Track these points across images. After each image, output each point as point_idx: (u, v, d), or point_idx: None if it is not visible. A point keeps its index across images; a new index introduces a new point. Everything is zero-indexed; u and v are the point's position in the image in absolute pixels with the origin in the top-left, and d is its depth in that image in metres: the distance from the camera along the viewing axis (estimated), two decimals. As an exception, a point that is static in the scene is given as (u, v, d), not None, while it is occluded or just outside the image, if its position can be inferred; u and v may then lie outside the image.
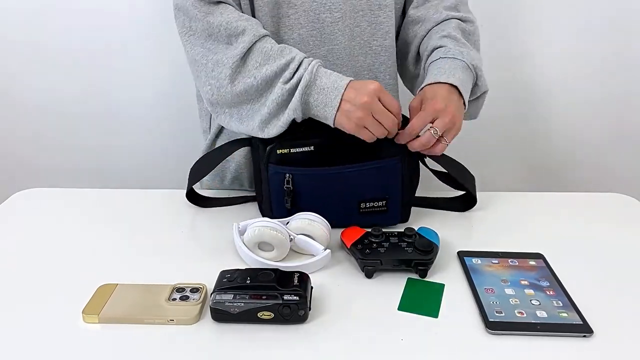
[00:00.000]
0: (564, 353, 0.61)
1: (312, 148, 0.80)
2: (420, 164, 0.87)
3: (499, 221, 0.90)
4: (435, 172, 0.91)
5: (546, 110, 1.52)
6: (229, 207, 0.94)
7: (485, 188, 0.96)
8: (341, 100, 0.78)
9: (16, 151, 1.58)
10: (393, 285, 0.73)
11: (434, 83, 0.85)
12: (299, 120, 0.81)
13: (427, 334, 0.64)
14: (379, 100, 0.78)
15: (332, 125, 0.79)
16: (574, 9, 1.40)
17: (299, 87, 0.79)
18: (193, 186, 0.94)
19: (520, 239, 0.84)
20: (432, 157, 0.85)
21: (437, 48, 0.91)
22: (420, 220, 0.88)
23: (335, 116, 0.78)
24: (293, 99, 0.79)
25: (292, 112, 0.80)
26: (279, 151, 0.80)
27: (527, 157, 1.59)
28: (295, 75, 0.79)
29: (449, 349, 0.62)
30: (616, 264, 0.78)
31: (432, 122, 0.80)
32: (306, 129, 0.82)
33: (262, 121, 0.82)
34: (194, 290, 0.69)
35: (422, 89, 0.86)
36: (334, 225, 0.81)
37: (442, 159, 0.86)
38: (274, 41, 0.84)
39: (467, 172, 0.91)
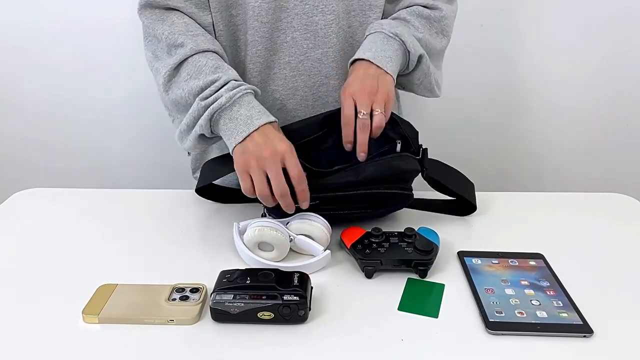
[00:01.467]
0: (564, 353, 0.61)
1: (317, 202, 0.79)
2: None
3: (499, 221, 0.90)
4: (432, 184, 0.89)
5: (546, 110, 1.52)
6: (229, 207, 0.94)
7: (484, 188, 0.96)
8: (246, 137, 0.76)
9: (16, 151, 1.58)
10: (393, 285, 0.73)
11: (351, 63, 0.87)
12: (208, 136, 0.83)
13: (427, 334, 0.64)
14: (283, 163, 0.75)
15: (230, 153, 0.79)
16: (574, 8, 1.40)
17: (211, 107, 0.79)
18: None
19: (520, 239, 0.84)
20: (430, 173, 0.84)
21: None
22: (420, 220, 0.88)
23: (235, 146, 0.78)
24: (203, 115, 0.80)
25: (199, 128, 0.82)
26: None
27: (526, 157, 1.59)
28: (213, 96, 0.80)
29: (449, 349, 0.62)
30: (616, 264, 0.78)
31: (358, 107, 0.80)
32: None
33: (181, 132, 0.86)
34: (194, 290, 0.69)
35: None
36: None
37: (439, 169, 0.86)
38: (216, 57, 0.85)
39: (466, 180, 0.91)
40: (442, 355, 0.61)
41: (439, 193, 0.91)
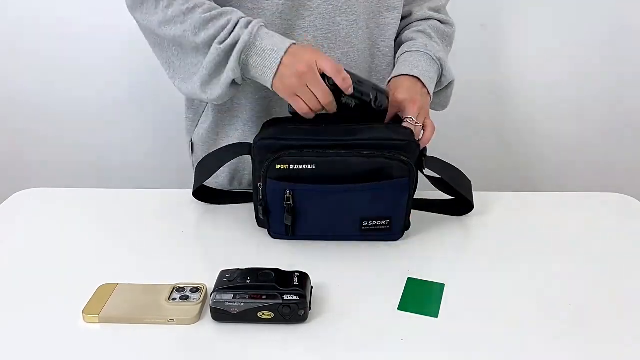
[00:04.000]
0: (563, 353, 0.61)
1: (313, 166, 0.77)
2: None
3: (498, 221, 0.90)
4: (430, 179, 0.90)
5: (546, 110, 1.52)
6: (229, 207, 0.94)
7: (484, 188, 0.96)
8: (279, 64, 0.77)
9: (16, 151, 1.58)
10: (393, 285, 0.73)
11: (398, 76, 0.89)
12: (239, 82, 0.82)
13: (427, 334, 0.64)
14: (320, 68, 0.76)
15: (270, 88, 0.79)
16: (574, 8, 1.40)
17: (236, 48, 0.78)
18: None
19: (519, 239, 0.84)
20: (427, 163, 0.84)
21: (407, 41, 0.95)
22: (418, 220, 0.88)
23: (272, 80, 0.78)
24: (230, 59, 0.79)
25: (230, 73, 0.79)
26: (277, 166, 0.77)
27: (526, 157, 1.59)
28: (231, 36, 0.78)
29: (449, 349, 0.62)
30: (616, 264, 0.78)
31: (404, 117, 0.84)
32: (306, 147, 0.78)
33: (203, 82, 0.83)
34: (194, 290, 0.69)
35: (389, 82, 0.90)
36: (333, 240, 0.82)
37: (438, 164, 0.86)
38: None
39: (464, 177, 0.91)
40: (442, 355, 0.61)
41: (436, 193, 0.91)
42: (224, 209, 0.94)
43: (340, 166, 0.77)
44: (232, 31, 0.79)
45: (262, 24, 0.81)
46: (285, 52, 0.77)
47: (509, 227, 0.88)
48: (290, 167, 0.77)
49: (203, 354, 0.61)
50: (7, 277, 0.75)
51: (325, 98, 0.77)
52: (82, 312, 0.66)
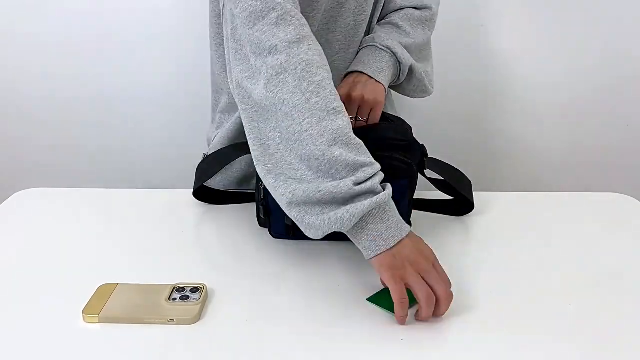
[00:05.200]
0: (563, 353, 0.61)
1: None
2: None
3: (498, 221, 0.90)
4: (431, 180, 0.90)
5: (546, 110, 1.52)
6: (229, 207, 0.94)
7: (483, 188, 0.96)
8: (399, 242, 0.65)
9: (16, 151, 1.58)
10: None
11: (345, 75, 0.91)
12: (345, 231, 0.66)
13: (427, 334, 0.64)
14: (433, 265, 0.67)
15: (367, 259, 0.67)
16: (574, 8, 1.40)
17: (372, 200, 0.64)
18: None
19: (519, 239, 0.84)
20: (429, 164, 0.84)
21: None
22: (418, 220, 0.88)
23: (379, 254, 0.65)
24: (358, 205, 0.64)
25: (347, 222, 0.64)
26: None
27: (526, 157, 1.59)
28: (369, 184, 0.65)
29: (449, 349, 0.62)
30: (616, 264, 0.78)
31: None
32: None
33: (291, 201, 0.66)
34: (194, 290, 0.69)
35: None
36: (333, 240, 0.80)
37: (438, 165, 0.86)
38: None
39: (464, 177, 0.91)
40: (442, 355, 0.61)
41: (436, 193, 0.91)
42: (224, 209, 0.94)
43: None
44: (372, 177, 0.66)
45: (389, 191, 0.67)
46: (408, 234, 0.66)
47: (509, 227, 0.88)
48: None
49: (203, 354, 0.61)
50: (7, 277, 0.75)
51: (446, 296, 0.65)
52: (82, 312, 0.66)
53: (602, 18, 1.40)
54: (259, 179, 0.80)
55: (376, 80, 0.88)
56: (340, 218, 0.64)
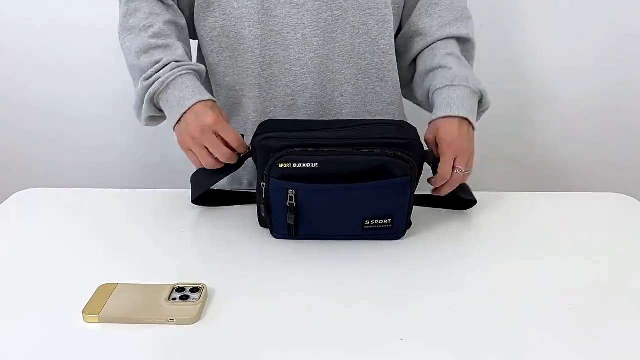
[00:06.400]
0: (563, 353, 0.61)
1: (316, 165, 0.77)
2: None
3: (498, 221, 0.90)
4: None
5: (545, 110, 1.52)
6: (229, 207, 0.94)
7: (484, 188, 0.96)
8: (180, 118, 0.82)
9: (16, 151, 1.58)
10: (393, 285, 0.73)
11: (445, 117, 0.87)
12: (156, 115, 0.88)
13: (427, 334, 0.64)
14: (216, 134, 0.80)
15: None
16: (574, 9, 1.40)
17: (149, 90, 0.84)
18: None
19: (519, 239, 0.84)
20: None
21: (441, 67, 0.93)
22: (419, 219, 0.88)
23: (174, 127, 0.84)
24: (145, 97, 0.85)
25: (148, 109, 0.86)
26: (280, 165, 0.77)
27: (526, 157, 1.59)
28: (153, 77, 0.84)
29: (449, 349, 0.62)
30: (616, 264, 0.78)
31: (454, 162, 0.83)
32: (308, 146, 0.78)
33: (134, 108, 0.89)
34: (194, 290, 0.69)
35: (434, 121, 0.88)
36: (334, 240, 0.81)
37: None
38: (173, 30, 0.90)
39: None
40: (442, 355, 0.61)
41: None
42: (225, 209, 0.94)
43: (342, 165, 0.77)
44: (159, 71, 0.84)
45: (189, 70, 0.85)
46: (189, 109, 0.81)
47: (509, 227, 0.88)
48: (293, 166, 0.77)
49: (203, 354, 0.61)
50: (7, 277, 0.75)
51: (225, 157, 0.82)
52: (82, 312, 0.66)
53: (602, 18, 1.40)
54: (260, 180, 0.80)
55: (474, 128, 0.89)
56: (145, 112, 0.87)
